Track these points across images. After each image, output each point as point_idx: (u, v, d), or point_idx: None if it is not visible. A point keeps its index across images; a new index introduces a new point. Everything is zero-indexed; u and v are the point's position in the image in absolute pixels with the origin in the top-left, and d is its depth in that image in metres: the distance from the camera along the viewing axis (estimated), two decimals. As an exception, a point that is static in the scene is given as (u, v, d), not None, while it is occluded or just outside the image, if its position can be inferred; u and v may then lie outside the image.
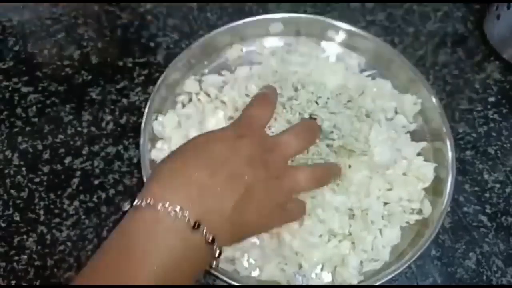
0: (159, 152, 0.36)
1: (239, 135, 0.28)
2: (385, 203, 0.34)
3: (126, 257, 0.22)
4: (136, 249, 0.22)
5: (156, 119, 0.37)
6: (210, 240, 0.23)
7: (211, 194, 0.24)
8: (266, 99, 0.33)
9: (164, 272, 0.22)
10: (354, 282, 0.32)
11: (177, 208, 0.23)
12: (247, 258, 0.33)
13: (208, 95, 0.39)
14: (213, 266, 0.26)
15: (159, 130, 0.37)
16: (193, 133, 0.36)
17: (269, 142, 0.30)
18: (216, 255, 0.24)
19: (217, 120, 0.36)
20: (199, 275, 0.31)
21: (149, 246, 0.22)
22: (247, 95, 0.37)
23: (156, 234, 0.23)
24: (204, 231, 0.23)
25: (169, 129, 0.37)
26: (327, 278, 0.33)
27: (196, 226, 0.23)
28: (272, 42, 0.43)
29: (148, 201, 0.23)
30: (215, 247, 0.24)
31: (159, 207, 0.23)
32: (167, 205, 0.23)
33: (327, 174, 0.32)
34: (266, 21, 0.42)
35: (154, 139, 0.37)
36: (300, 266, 0.33)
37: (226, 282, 0.31)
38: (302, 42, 0.42)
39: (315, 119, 0.34)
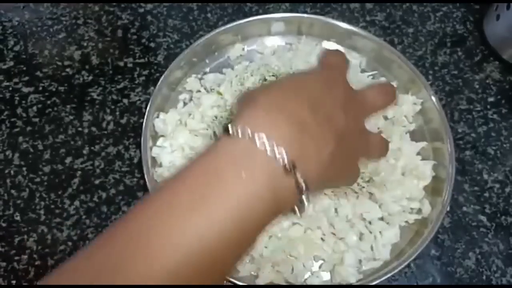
0: (160, 150, 0.37)
1: (331, 79, 0.26)
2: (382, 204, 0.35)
3: (208, 187, 0.20)
4: (219, 180, 0.20)
5: (157, 116, 0.38)
6: (301, 186, 0.22)
7: (312, 134, 0.22)
8: (336, 52, 0.32)
9: (242, 211, 0.20)
10: (353, 280, 0.32)
11: (275, 144, 0.21)
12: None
13: (208, 91, 0.39)
14: (298, 214, 0.23)
15: (161, 128, 0.37)
16: (195, 129, 0.37)
17: (359, 94, 0.28)
18: (304, 201, 0.22)
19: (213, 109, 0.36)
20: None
21: (234, 180, 0.20)
22: (242, 84, 0.37)
23: (249, 169, 0.20)
24: (299, 176, 0.21)
25: (171, 126, 0.37)
26: (325, 277, 0.33)
27: (291, 168, 0.21)
28: (273, 41, 0.43)
29: (245, 132, 0.21)
30: (303, 195, 0.22)
31: (256, 139, 0.21)
32: (265, 140, 0.21)
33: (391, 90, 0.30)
34: (268, 20, 0.42)
35: (155, 137, 0.37)
36: (293, 269, 0.33)
37: (226, 280, 0.31)
38: (303, 41, 0.42)
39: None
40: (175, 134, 0.37)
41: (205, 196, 0.20)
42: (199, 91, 0.40)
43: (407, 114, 0.39)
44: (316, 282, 0.33)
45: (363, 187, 0.34)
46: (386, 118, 0.39)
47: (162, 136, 0.37)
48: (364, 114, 0.28)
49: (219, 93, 0.38)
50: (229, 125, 0.21)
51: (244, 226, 0.20)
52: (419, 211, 0.35)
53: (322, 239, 0.33)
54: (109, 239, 0.20)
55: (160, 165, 0.36)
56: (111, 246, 0.20)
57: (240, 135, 0.21)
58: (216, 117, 0.37)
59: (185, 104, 0.39)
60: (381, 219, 0.34)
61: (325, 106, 0.24)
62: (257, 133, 0.21)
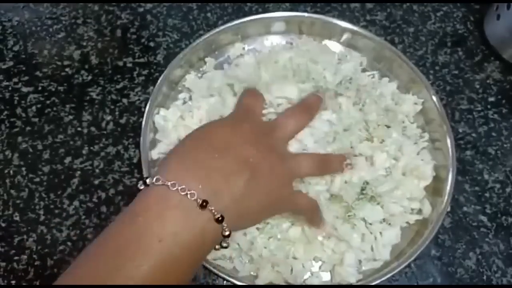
0: (161, 146, 0.37)
1: (238, 121, 0.30)
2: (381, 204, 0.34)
3: (132, 234, 0.23)
4: (144, 225, 0.23)
5: (158, 113, 0.38)
6: (218, 218, 0.24)
7: (219, 175, 0.25)
8: (255, 93, 0.35)
9: (170, 253, 0.23)
10: (353, 281, 0.32)
11: (185, 187, 0.23)
12: (243, 258, 0.33)
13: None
14: (223, 245, 0.26)
15: (161, 124, 0.37)
16: (195, 128, 0.37)
17: (267, 125, 0.31)
18: (226, 234, 0.25)
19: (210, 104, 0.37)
20: (198, 270, 0.31)
21: (157, 223, 0.23)
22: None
23: (163, 210, 0.23)
24: (212, 210, 0.24)
25: (171, 123, 0.37)
26: (325, 277, 0.33)
27: (204, 205, 0.23)
28: (274, 41, 0.43)
29: (158, 180, 0.24)
30: (224, 225, 0.24)
31: (169, 185, 0.23)
32: (176, 185, 0.23)
33: (329, 162, 0.33)
34: (269, 20, 0.42)
35: (154, 140, 0.37)
36: (292, 269, 0.33)
37: (226, 280, 0.31)
38: (304, 41, 0.42)
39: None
40: (175, 131, 0.37)
41: (125, 255, 0.22)
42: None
43: (407, 114, 0.39)
44: (316, 282, 0.33)
45: (363, 193, 0.34)
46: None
47: (162, 132, 0.37)
48: (279, 140, 0.31)
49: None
50: (148, 178, 0.25)
51: (168, 267, 0.23)
52: (420, 211, 0.35)
53: (322, 239, 0.33)
54: None
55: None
56: None
57: (157, 185, 0.24)
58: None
59: (185, 102, 0.39)
60: (382, 220, 0.34)
61: (233, 148, 0.27)
62: (171, 181, 0.24)
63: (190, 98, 0.39)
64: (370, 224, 0.34)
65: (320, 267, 0.33)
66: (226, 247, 0.26)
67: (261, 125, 0.31)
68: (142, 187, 0.25)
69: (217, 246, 0.26)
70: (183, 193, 0.23)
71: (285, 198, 0.29)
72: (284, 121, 0.32)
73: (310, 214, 0.32)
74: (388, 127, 0.37)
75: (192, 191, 0.23)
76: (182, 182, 0.24)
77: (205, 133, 0.29)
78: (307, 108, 0.34)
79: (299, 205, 0.31)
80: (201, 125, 0.30)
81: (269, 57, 0.40)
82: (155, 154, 0.36)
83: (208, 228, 0.24)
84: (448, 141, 0.36)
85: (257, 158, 0.27)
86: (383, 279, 0.31)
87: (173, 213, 0.23)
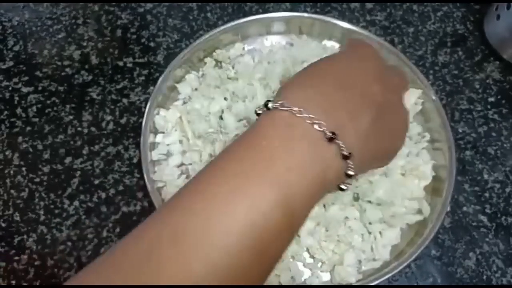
0: (161, 147, 0.37)
1: (363, 53, 0.27)
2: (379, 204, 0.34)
3: (256, 158, 0.20)
4: (270, 150, 0.20)
5: (158, 113, 0.38)
6: (346, 154, 0.21)
7: (345, 111, 0.23)
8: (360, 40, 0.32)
9: (298, 185, 0.20)
10: (353, 281, 0.32)
11: (313, 117, 0.21)
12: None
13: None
14: (344, 188, 0.23)
15: (161, 125, 0.37)
16: (195, 128, 0.37)
17: (394, 67, 0.29)
18: (350, 173, 0.22)
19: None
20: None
21: (284, 150, 0.20)
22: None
23: (290, 138, 0.21)
24: (341, 144, 0.21)
25: (171, 123, 0.37)
26: (325, 277, 0.33)
27: (333, 137, 0.21)
28: (274, 41, 0.43)
29: (283, 105, 0.22)
30: (349, 163, 0.22)
31: (295, 112, 0.21)
32: (303, 112, 0.21)
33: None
34: (269, 20, 0.42)
35: (154, 140, 0.37)
36: (292, 269, 0.33)
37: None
38: (304, 41, 0.42)
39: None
40: (175, 131, 0.37)
41: (250, 177, 0.19)
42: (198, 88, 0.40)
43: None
44: (316, 282, 0.33)
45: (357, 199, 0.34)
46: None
47: (162, 132, 0.37)
48: (402, 87, 0.28)
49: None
50: (269, 102, 0.22)
51: (292, 202, 0.20)
52: (419, 211, 0.35)
53: (321, 239, 0.33)
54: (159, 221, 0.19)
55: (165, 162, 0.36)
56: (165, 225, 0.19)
57: (283, 109, 0.21)
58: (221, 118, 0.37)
59: (185, 103, 0.39)
60: (382, 220, 0.34)
61: (356, 81, 0.24)
62: (297, 107, 0.21)
63: (190, 98, 0.39)
64: (370, 224, 0.34)
65: (320, 267, 0.33)
66: (344, 190, 0.23)
67: (386, 64, 0.28)
68: (260, 112, 0.23)
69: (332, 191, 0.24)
70: (309, 122, 0.21)
71: (403, 139, 0.28)
72: (400, 72, 0.29)
73: None
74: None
75: (321, 122, 0.21)
76: (308, 109, 0.21)
77: (326, 62, 0.26)
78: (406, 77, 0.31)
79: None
80: (322, 58, 0.27)
81: (268, 57, 0.40)
82: (155, 155, 0.36)
83: (333, 165, 0.21)
84: (448, 141, 0.36)
85: (384, 97, 0.24)
86: (383, 279, 0.31)
87: (299, 143, 0.21)
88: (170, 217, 0.19)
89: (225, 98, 0.38)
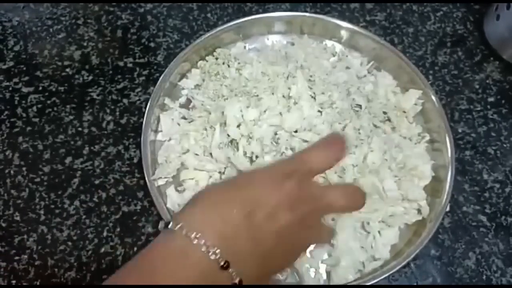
0: (164, 147, 0.37)
1: (287, 174, 0.26)
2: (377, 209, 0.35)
3: (148, 281, 0.21)
4: (159, 276, 0.21)
5: (158, 115, 0.38)
6: (236, 282, 0.23)
7: (245, 236, 0.23)
8: (335, 143, 0.28)
9: None
10: (351, 278, 0.32)
11: (209, 244, 0.22)
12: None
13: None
14: None
15: (162, 125, 0.37)
16: (198, 128, 0.37)
17: (319, 190, 0.27)
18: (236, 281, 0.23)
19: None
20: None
21: (172, 278, 0.21)
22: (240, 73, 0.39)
23: (182, 267, 0.22)
24: (233, 273, 0.22)
25: (171, 123, 0.37)
26: (325, 277, 0.33)
27: (225, 266, 0.22)
28: (275, 41, 0.43)
29: (182, 229, 0.22)
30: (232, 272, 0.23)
31: (192, 238, 0.22)
32: (200, 239, 0.22)
33: (355, 194, 0.28)
34: (270, 19, 0.42)
35: (154, 140, 0.37)
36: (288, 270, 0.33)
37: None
38: (305, 40, 0.42)
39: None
40: (175, 133, 0.37)
41: None
42: (200, 84, 0.40)
43: (407, 115, 0.39)
44: (315, 282, 0.33)
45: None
46: (389, 119, 0.39)
47: (161, 131, 0.38)
48: (319, 211, 0.28)
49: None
50: (171, 223, 0.23)
51: None
52: (419, 211, 0.35)
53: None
54: None
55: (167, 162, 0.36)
56: None
57: (179, 234, 0.22)
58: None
59: (185, 103, 0.39)
60: (381, 220, 0.34)
61: (267, 205, 0.24)
62: (195, 233, 0.22)
63: (191, 98, 0.39)
64: (368, 223, 0.34)
65: (320, 267, 0.33)
66: None
67: (309, 188, 0.26)
68: (162, 229, 0.24)
69: None
70: (204, 250, 0.22)
71: (304, 247, 0.30)
72: (337, 196, 0.27)
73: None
74: (387, 128, 0.38)
75: (216, 249, 0.22)
76: (207, 237, 0.22)
77: (244, 184, 0.26)
78: (361, 195, 0.28)
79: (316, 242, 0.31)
80: (243, 173, 0.28)
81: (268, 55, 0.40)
82: (160, 156, 0.36)
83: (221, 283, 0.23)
84: (448, 141, 0.36)
85: (289, 224, 0.25)
86: (382, 277, 0.31)
87: (192, 272, 0.22)
88: None
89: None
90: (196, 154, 0.36)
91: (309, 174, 0.27)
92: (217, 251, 0.22)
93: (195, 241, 0.22)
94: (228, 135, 0.35)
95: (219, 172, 0.35)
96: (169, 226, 0.23)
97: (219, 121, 0.36)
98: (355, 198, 0.28)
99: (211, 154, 0.36)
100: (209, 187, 0.27)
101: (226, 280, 0.22)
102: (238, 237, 0.23)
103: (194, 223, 0.23)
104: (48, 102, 0.40)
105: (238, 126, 0.35)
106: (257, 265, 0.24)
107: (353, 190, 0.28)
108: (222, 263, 0.22)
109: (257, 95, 0.37)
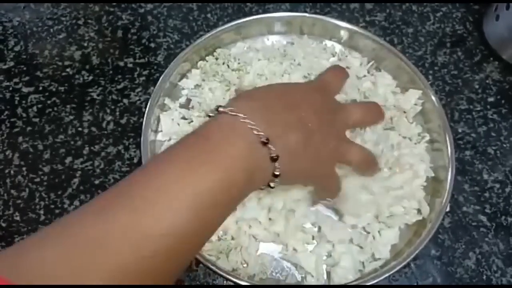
0: (163, 147, 0.37)
1: (313, 89, 0.32)
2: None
3: (203, 147, 0.25)
4: (213, 142, 0.25)
5: (158, 115, 0.38)
6: (274, 156, 0.26)
7: (280, 126, 0.27)
8: (341, 71, 0.37)
9: (237, 172, 0.24)
10: (351, 278, 0.32)
11: (253, 122, 0.26)
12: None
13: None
14: (273, 185, 0.28)
15: (162, 125, 0.37)
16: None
17: (338, 105, 0.33)
18: (277, 173, 0.27)
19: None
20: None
21: (227, 143, 0.25)
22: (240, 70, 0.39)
23: (232, 136, 0.25)
24: (271, 147, 0.26)
25: (171, 123, 0.37)
26: (324, 277, 0.33)
27: (266, 142, 0.26)
28: (275, 41, 0.43)
29: (233, 110, 0.26)
30: (277, 164, 0.26)
31: (239, 116, 0.26)
32: (245, 117, 0.26)
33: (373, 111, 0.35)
34: (270, 19, 0.42)
35: (154, 140, 0.37)
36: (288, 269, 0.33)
37: (226, 279, 0.31)
38: (305, 41, 0.42)
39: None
40: (175, 133, 0.37)
41: (199, 163, 0.24)
42: (200, 84, 0.40)
43: (407, 115, 0.39)
44: (315, 282, 0.33)
45: None
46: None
47: (160, 131, 0.38)
48: (342, 124, 0.32)
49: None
50: (220, 107, 0.27)
51: (230, 190, 0.24)
52: (419, 211, 0.35)
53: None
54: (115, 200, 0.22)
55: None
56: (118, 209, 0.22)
57: (227, 114, 0.26)
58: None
59: (185, 103, 0.39)
60: (381, 220, 0.34)
61: (299, 108, 0.29)
62: (241, 113, 0.26)
63: (191, 98, 0.39)
64: (368, 223, 0.34)
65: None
66: (273, 187, 0.28)
67: (331, 102, 0.33)
68: (212, 114, 0.27)
69: (262, 187, 0.28)
70: (250, 127, 0.25)
71: (330, 164, 0.32)
72: (355, 110, 0.33)
73: (364, 166, 0.33)
74: (387, 128, 0.38)
75: (259, 129, 0.26)
76: (251, 117, 0.26)
77: (280, 89, 0.31)
78: (378, 113, 0.35)
79: (342, 162, 0.32)
80: (278, 83, 0.33)
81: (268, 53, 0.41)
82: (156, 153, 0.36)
83: (263, 165, 0.26)
84: (448, 141, 0.36)
85: (315, 126, 0.29)
86: (381, 278, 0.31)
87: (239, 141, 0.25)
88: (130, 186, 0.23)
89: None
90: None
91: (330, 92, 0.34)
92: (260, 128, 0.26)
93: (241, 119, 0.26)
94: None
95: None
96: (220, 109, 0.27)
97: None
98: (373, 111, 0.35)
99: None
100: (254, 88, 0.32)
101: (266, 154, 0.26)
102: (276, 123, 0.27)
103: (243, 108, 0.27)
104: (48, 102, 0.40)
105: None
106: (289, 154, 0.27)
107: (373, 105, 0.36)
108: (263, 139, 0.26)
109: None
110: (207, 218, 0.23)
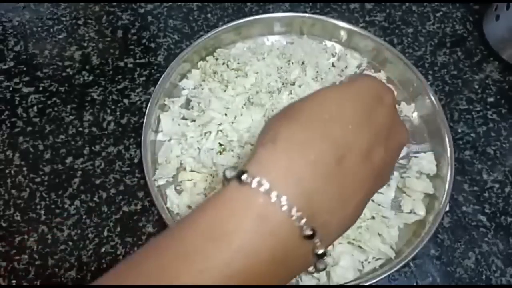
0: (164, 148, 0.37)
1: (379, 97, 0.20)
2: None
3: (219, 244, 0.17)
4: (234, 238, 0.17)
5: (158, 115, 0.38)
6: (319, 253, 0.18)
7: (339, 183, 0.18)
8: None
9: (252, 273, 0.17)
10: (351, 278, 0.32)
11: (292, 203, 0.17)
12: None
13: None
14: (320, 268, 0.19)
15: (162, 125, 0.37)
16: (196, 129, 0.37)
17: (401, 121, 0.22)
18: (319, 252, 0.18)
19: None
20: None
21: (247, 243, 0.17)
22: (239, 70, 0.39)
23: (259, 232, 0.17)
24: (317, 243, 0.18)
25: (172, 123, 0.37)
26: (324, 277, 0.33)
27: (311, 235, 0.17)
28: (275, 41, 0.43)
29: (261, 182, 0.17)
30: (323, 259, 0.18)
31: (271, 196, 0.17)
32: (281, 197, 0.17)
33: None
34: (270, 20, 0.42)
35: (154, 140, 0.37)
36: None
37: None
38: (305, 41, 0.43)
39: None
40: (175, 133, 0.37)
41: (204, 257, 0.16)
42: (200, 84, 0.40)
43: (407, 114, 0.39)
44: (315, 282, 0.33)
45: None
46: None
47: (161, 131, 0.38)
48: (404, 145, 0.22)
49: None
50: (244, 172, 0.17)
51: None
52: (418, 211, 0.35)
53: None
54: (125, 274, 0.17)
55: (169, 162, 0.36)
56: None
57: (252, 189, 0.17)
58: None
59: (186, 103, 0.39)
60: (380, 219, 0.34)
61: (362, 140, 0.19)
62: (274, 190, 0.17)
63: (191, 98, 0.39)
64: (368, 223, 0.34)
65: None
66: (323, 269, 0.19)
67: (396, 113, 0.22)
68: (229, 176, 0.18)
69: (310, 269, 0.19)
70: (285, 210, 0.17)
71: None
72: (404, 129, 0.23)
73: None
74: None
75: (301, 215, 0.17)
76: (288, 188, 0.17)
77: (326, 106, 0.19)
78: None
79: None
80: (318, 93, 0.20)
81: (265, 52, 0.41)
82: (160, 156, 0.36)
83: (303, 260, 0.18)
84: (447, 141, 0.36)
85: (382, 164, 0.20)
86: (381, 277, 0.31)
87: (270, 240, 0.17)
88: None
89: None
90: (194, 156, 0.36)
91: (394, 98, 0.21)
92: (302, 216, 0.17)
93: (275, 200, 0.17)
94: (220, 144, 0.36)
95: (211, 175, 0.35)
96: (243, 177, 0.17)
97: (213, 127, 0.36)
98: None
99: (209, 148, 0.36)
100: (277, 121, 0.19)
101: (305, 250, 0.17)
102: (327, 188, 0.18)
103: (276, 170, 0.17)
104: (49, 102, 0.41)
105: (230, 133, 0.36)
106: (341, 224, 0.19)
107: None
108: (308, 232, 0.17)
109: (257, 93, 0.37)
110: None
